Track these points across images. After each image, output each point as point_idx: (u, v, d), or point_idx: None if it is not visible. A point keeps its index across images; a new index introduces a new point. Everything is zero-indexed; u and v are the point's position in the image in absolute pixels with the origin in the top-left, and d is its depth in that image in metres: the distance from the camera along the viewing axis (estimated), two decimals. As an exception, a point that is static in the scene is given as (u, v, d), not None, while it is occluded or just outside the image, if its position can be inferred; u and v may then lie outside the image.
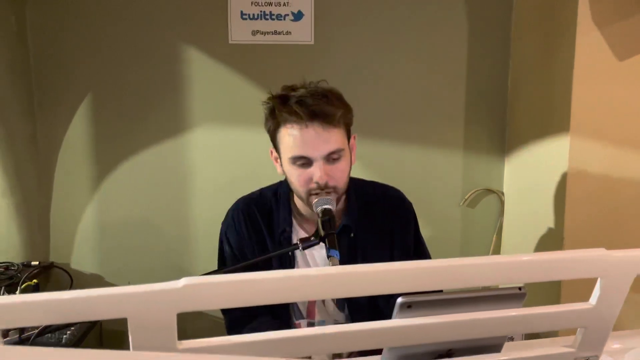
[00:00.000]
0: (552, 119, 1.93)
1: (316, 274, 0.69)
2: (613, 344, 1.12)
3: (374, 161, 2.31)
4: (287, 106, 1.29)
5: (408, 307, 0.75)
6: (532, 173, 2.17)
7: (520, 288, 0.80)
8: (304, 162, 1.30)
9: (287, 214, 1.45)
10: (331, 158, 1.30)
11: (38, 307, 0.61)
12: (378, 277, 0.68)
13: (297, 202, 1.45)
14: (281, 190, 1.48)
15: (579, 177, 1.82)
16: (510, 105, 2.31)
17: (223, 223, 1.51)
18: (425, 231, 2.37)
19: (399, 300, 0.75)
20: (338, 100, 1.33)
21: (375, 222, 1.46)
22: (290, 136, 1.29)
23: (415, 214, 1.54)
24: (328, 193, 1.31)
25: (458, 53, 2.31)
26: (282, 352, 0.72)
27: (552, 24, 1.93)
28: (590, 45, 1.74)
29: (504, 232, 2.38)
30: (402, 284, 0.73)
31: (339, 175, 1.33)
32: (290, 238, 1.44)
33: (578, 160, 1.81)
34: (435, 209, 2.38)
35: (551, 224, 1.97)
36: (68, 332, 1.77)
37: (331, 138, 1.29)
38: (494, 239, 2.40)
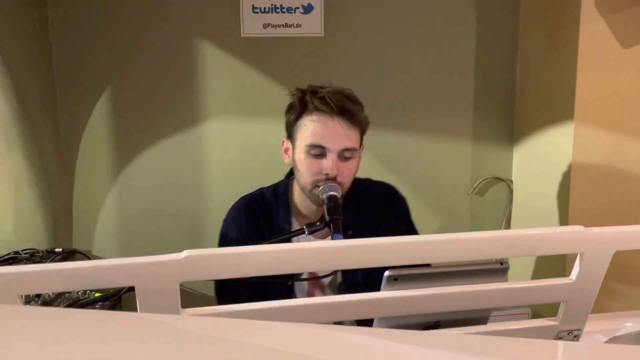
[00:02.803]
0: (558, 108, 1.96)
1: (309, 247, 0.75)
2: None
3: (383, 151, 2.36)
4: (318, 97, 1.38)
5: (395, 280, 0.81)
6: (539, 161, 2.19)
7: (502, 263, 0.85)
8: (319, 152, 1.37)
9: (286, 212, 1.50)
10: (344, 155, 1.38)
11: (54, 275, 0.69)
12: (362, 251, 0.74)
13: (297, 199, 1.50)
14: (280, 190, 1.53)
15: (582, 166, 1.84)
16: (519, 95, 2.33)
17: (224, 221, 1.56)
18: (434, 220, 2.43)
19: (386, 273, 0.81)
20: (360, 106, 1.43)
21: (371, 219, 1.51)
22: (314, 124, 1.37)
23: (408, 208, 1.59)
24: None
25: (467, 43, 2.34)
26: (280, 320, 0.78)
27: (557, 13, 1.95)
28: (593, 33, 1.76)
29: (512, 220, 2.41)
30: (393, 257, 0.78)
31: (347, 174, 1.40)
32: (288, 238, 1.46)
33: (582, 149, 1.83)
34: (444, 198, 2.42)
35: (558, 212, 2.00)
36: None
37: (350, 135, 1.38)
38: (502, 226, 2.43)
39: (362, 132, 1.44)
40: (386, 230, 1.50)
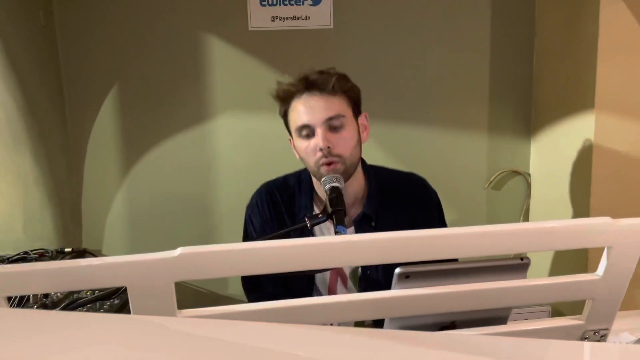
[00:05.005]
0: (577, 97, 1.88)
1: (309, 243, 0.70)
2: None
3: (397, 144, 2.30)
4: (288, 84, 1.39)
5: (406, 277, 0.75)
6: (559, 153, 2.11)
7: (522, 258, 0.79)
8: (308, 132, 1.36)
9: (307, 199, 1.48)
10: (332, 125, 1.35)
11: (41, 275, 0.64)
12: (368, 247, 0.68)
13: (317, 186, 1.47)
14: (304, 176, 1.52)
15: (604, 157, 1.77)
16: (536, 84, 2.25)
17: (247, 207, 1.56)
18: (449, 215, 2.34)
19: (397, 270, 0.75)
20: (336, 74, 1.39)
21: (398, 211, 1.46)
22: (295, 110, 1.38)
23: (439, 202, 1.54)
24: (334, 163, 1.34)
25: (481, 32, 2.27)
26: (282, 321, 0.73)
27: (576, -3, 1.87)
28: (614, 17, 1.68)
29: (530, 215, 2.34)
30: (405, 252, 0.73)
31: (343, 144, 1.35)
32: (312, 226, 1.45)
33: (603, 139, 1.76)
34: (459, 192, 2.35)
35: (578, 205, 1.93)
36: (102, 310, 1.82)
37: (330, 105, 1.35)
38: (520, 221, 2.36)
39: (351, 99, 1.40)
40: (413, 224, 1.46)
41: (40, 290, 0.66)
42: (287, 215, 1.48)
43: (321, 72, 1.38)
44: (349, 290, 1.48)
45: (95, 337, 0.58)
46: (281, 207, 1.49)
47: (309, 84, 1.35)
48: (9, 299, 1.67)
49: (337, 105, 1.35)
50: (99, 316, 0.61)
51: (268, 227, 1.50)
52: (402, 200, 1.47)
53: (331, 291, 1.49)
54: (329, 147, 1.33)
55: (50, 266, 0.64)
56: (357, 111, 1.42)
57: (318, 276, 1.47)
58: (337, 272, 1.47)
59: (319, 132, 1.34)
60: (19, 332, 0.58)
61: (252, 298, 1.53)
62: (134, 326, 0.62)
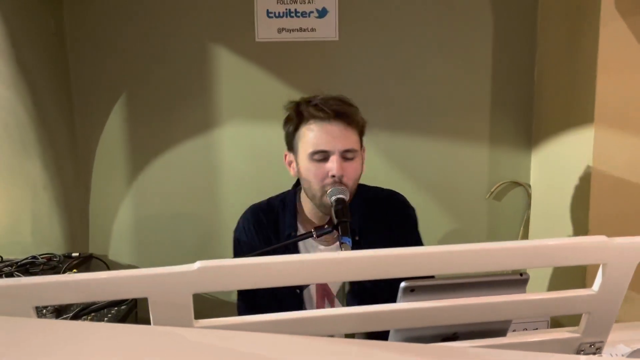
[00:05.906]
0: (577, 110, 1.92)
1: (322, 258, 0.74)
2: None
3: (399, 155, 2.34)
4: (312, 105, 1.40)
5: (411, 291, 0.79)
6: (559, 165, 2.15)
7: (521, 274, 0.83)
8: (322, 157, 1.38)
9: (292, 218, 1.52)
10: (346, 156, 1.39)
11: (68, 286, 0.68)
12: (377, 262, 0.72)
13: (305, 206, 1.52)
14: (288, 198, 1.56)
15: (603, 170, 1.80)
16: (537, 97, 2.29)
17: (235, 231, 1.59)
18: (451, 224, 2.41)
19: (402, 284, 0.79)
20: (355, 108, 1.44)
21: (379, 226, 1.51)
22: (312, 132, 1.39)
23: (417, 219, 1.58)
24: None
25: (483, 45, 2.31)
26: (295, 332, 0.77)
27: (576, 14, 1.91)
28: (614, 34, 1.72)
29: (530, 226, 2.37)
30: (410, 268, 0.77)
31: (352, 174, 1.41)
32: (295, 242, 1.49)
33: (602, 153, 1.80)
34: (461, 202, 2.39)
35: (577, 217, 1.96)
36: (105, 319, 1.86)
37: (349, 137, 1.39)
38: (520, 232, 2.40)
39: (361, 134, 1.45)
40: (392, 239, 1.50)
41: (67, 301, 0.69)
42: (273, 236, 1.52)
43: (343, 101, 1.41)
44: (335, 307, 1.52)
45: (118, 348, 0.62)
46: (267, 228, 1.53)
47: (338, 114, 1.38)
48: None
49: (353, 138, 1.40)
50: (121, 327, 0.64)
51: (256, 248, 1.51)
52: (384, 215, 1.52)
53: (319, 307, 1.53)
54: (342, 175, 1.37)
55: (77, 278, 0.68)
56: (362, 144, 1.47)
57: (305, 295, 1.51)
58: (323, 291, 1.51)
59: (335, 159, 1.37)
60: (50, 343, 0.62)
61: (243, 307, 1.52)
62: (154, 337, 0.66)
